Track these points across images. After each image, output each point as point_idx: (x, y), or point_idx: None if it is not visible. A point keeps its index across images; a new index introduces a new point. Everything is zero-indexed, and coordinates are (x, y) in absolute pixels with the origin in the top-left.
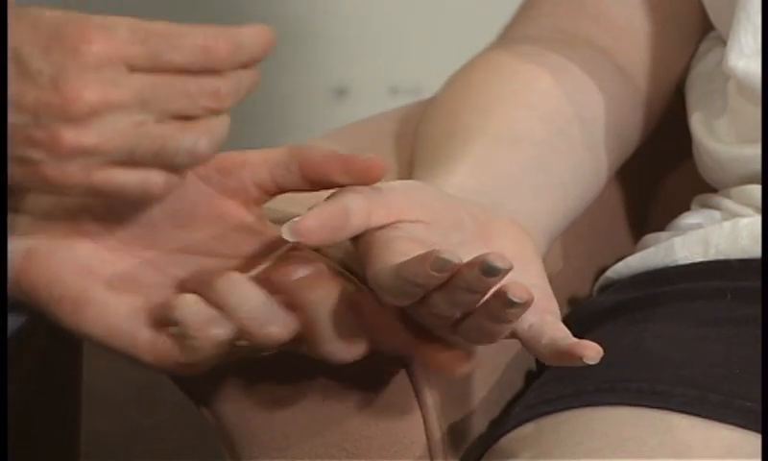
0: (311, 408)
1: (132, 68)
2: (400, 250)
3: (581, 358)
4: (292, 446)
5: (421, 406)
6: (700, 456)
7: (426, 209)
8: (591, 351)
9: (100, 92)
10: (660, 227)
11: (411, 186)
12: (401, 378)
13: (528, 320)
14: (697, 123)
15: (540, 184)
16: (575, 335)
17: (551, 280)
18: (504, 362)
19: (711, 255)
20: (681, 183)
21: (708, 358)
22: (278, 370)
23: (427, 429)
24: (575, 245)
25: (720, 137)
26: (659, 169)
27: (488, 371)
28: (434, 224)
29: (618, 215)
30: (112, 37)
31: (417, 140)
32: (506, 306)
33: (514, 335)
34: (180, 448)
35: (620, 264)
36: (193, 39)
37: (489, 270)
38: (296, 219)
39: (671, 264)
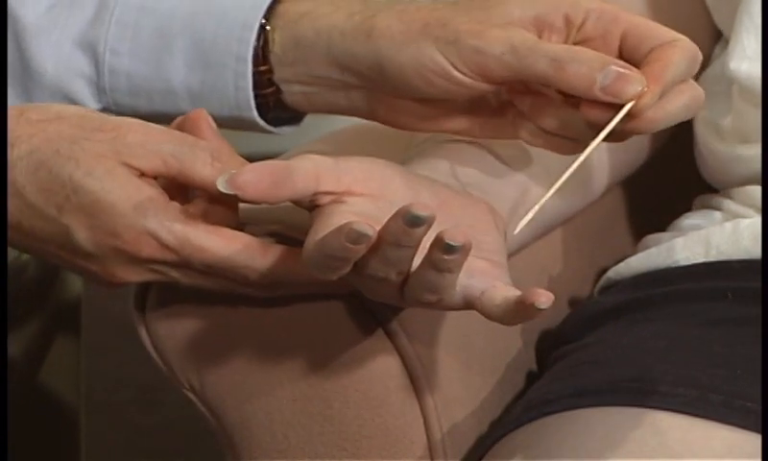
0: (311, 409)
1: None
2: (338, 223)
3: (533, 305)
4: (292, 446)
5: (422, 407)
6: (700, 456)
7: (380, 184)
8: (543, 297)
9: (140, 278)
10: (661, 227)
11: (370, 161)
12: (402, 379)
13: (479, 287)
14: (701, 123)
15: (522, 174)
16: (576, 335)
17: (552, 281)
18: (505, 363)
19: (713, 256)
20: (682, 184)
21: (709, 359)
22: (279, 370)
23: (428, 430)
24: (576, 246)
25: (723, 137)
26: (660, 170)
27: (488, 371)
28: (384, 198)
29: (619, 216)
30: (160, 248)
31: (410, 140)
32: (445, 252)
33: (470, 306)
34: (180, 448)
35: (621, 265)
36: (221, 260)
37: (412, 220)
38: (233, 171)
39: (672, 265)
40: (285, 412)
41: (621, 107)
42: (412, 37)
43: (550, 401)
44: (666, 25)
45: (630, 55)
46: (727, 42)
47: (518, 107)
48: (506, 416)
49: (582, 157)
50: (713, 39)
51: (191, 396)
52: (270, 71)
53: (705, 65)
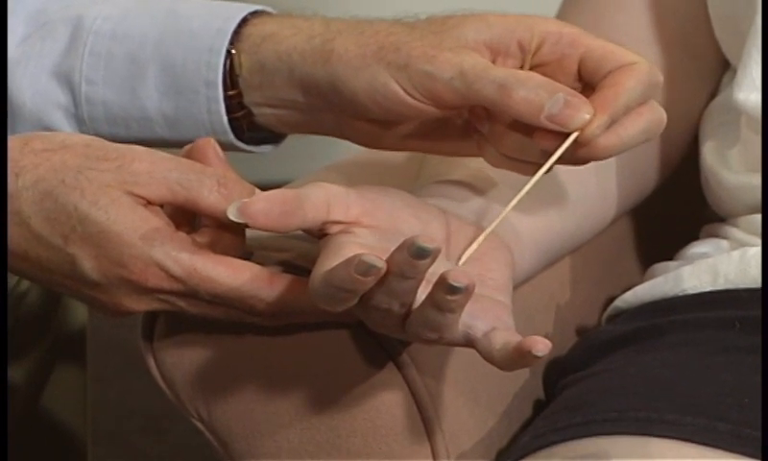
0: (319, 438)
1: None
2: (345, 255)
3: (530, 352)
4: None
5: (430, 436)
6: None
7: (388, 214)
8: (540, 344)
9: (147, 307)
10: (669, 256)
11: (379, 190)
12: (410, 408)
13: (482, 329)
14: (709, 152)
15: (530, 202)
16: (584, 364)
17: (560, 310)
18: (512, 392)
19: (720, 285)
20: (689, 213)
21: (717, 387)
22: (287, 399)
23: (435, 459)
24: (584, 274)
25: (731, 166)
26: (667, 199)
27: (496, 400)
28: (392, 229)
29: (627, 245)
30: (167, 279)
31: (421, 166)
32: (447, 293)
33: (470, 344)
34: None
35: (629, 293)
36: (228, 290)
37: (417, 252)
38: (244, 199)
39: (680, 293)
40: (293, 441)
41: (570, 135)
42: (366, 62)
43: (557, 430)
44: (676, 55)
45: (589, 78)
46: (734, 72)
47: (480, 130)
48: (513, 445)
49: (525, 190)
50: (722, 69)
51: (199, 425)
52: (239, 95)
53: (713, 95)
